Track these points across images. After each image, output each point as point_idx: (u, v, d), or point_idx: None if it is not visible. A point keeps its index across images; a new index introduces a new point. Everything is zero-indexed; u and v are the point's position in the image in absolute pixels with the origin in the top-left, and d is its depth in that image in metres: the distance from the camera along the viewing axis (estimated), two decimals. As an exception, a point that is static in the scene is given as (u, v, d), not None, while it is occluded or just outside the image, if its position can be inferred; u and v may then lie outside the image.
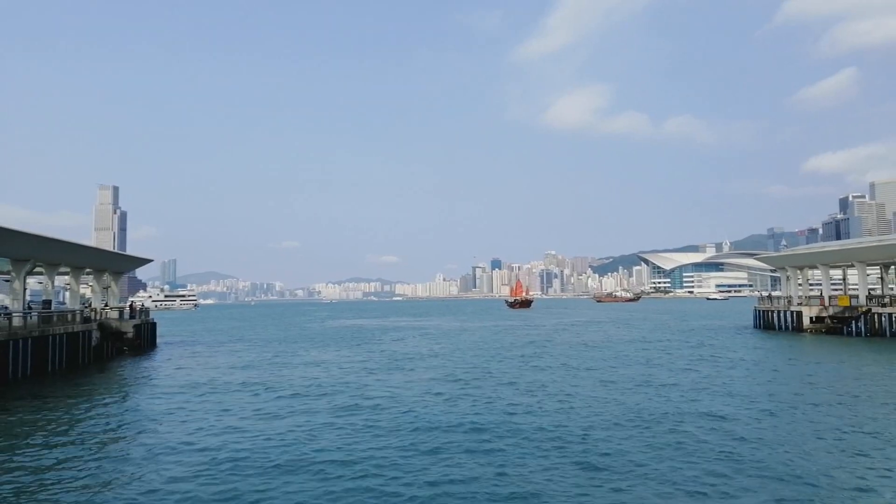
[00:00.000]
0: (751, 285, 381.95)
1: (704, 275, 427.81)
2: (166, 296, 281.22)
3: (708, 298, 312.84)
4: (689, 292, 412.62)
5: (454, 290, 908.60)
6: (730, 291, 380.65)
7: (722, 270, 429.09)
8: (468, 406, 24.13)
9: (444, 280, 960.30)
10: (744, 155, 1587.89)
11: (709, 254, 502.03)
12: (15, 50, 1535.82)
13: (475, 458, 16.49)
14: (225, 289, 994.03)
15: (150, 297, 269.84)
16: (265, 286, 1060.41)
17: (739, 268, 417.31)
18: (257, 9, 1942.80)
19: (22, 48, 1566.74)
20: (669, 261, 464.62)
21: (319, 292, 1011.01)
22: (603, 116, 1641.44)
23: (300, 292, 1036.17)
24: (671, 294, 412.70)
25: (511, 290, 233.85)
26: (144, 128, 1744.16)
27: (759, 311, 69.21)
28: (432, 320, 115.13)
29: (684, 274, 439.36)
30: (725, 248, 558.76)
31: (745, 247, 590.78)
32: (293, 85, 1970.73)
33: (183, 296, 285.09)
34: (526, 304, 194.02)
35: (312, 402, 25.70)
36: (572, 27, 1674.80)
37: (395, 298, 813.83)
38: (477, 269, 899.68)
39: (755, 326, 69.51)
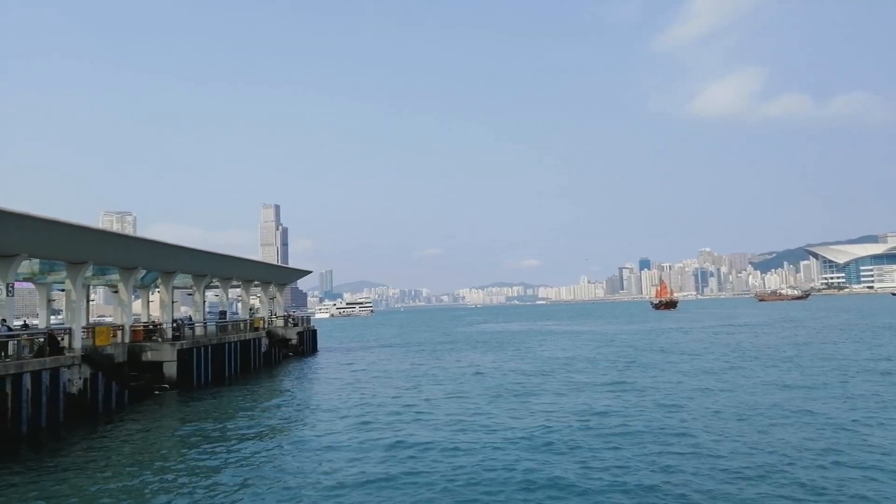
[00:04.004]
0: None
1: (886, 268, 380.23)
2: (347, 304, 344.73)
3: (893, 294, 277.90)
4: (868, 287, 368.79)
5: (600, 292, 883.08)
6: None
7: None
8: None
9: (589, 282, 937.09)
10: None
11: (891, 244, 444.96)
12: (182, 87, 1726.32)
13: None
14: (376, 296, 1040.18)
15: (336, 305, 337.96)
16: (413, 293, 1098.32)
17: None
18: (390, 21, 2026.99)
19: (187, 83, 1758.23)
20: (843, 253, 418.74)
21: (463, 297, 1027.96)
22: (758, 101, 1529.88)
23: (445, 298, 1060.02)
24: (846, 290, 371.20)
25: (656, 291, 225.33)
26: (300, 148, 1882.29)
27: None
28: (583, 325, 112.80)
29: (861, 267, 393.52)
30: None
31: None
32: (418, 90, 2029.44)
33: (361, 303, 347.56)
34: (671, 304, 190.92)
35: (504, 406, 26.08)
36: (720, 8, 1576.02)
37: (538, 302, 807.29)
38: (624, 270, 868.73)
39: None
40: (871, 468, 15.02)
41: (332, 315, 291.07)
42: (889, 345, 46.62)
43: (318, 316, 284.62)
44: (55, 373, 24.39)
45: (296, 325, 58.58)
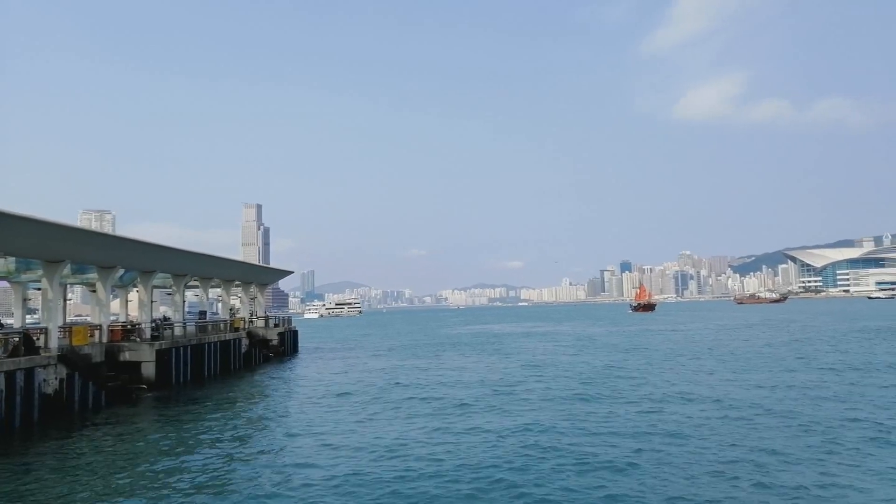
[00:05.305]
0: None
1: (862, 272, 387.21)
2: (336, 304, 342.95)
3: (869, 297, 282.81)
4: (844, 291, 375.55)
5: (581, 294, 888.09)
6: (894, 289, 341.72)
7: (883, 266, 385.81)
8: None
9: (571, 284, 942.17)
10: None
11: (866, 248, 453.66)
12: (170, 84, 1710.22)
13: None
14: (358, 297, 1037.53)
15: (325, 305, 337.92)
16: (395, 294, 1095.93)
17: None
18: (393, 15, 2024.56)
19: (176, 81, 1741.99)
20: (820, 258, 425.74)
21: (446, 299, 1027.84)
22: (741, 105, 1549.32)
23: (428, 299, 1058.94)
24: (823, 294, 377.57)
25: (636, 293, 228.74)
26: (282, 146, 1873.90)
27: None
28: (563, 326, 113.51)
29: (838, 271, 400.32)
30: (886, 242, 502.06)
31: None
32: (413, 89, 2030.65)
33: (350, 304, 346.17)
34: (649, 307, 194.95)
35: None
36: (706, 12, 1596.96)
37: (520, 304, 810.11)
38: (605, 273, 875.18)
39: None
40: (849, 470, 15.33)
41: (322, 315, 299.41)
42: (860, 348, 47.47)
43: (307, 316, 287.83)
44: (30, 373, 24.04)
45: (277, 325, 58.23)
